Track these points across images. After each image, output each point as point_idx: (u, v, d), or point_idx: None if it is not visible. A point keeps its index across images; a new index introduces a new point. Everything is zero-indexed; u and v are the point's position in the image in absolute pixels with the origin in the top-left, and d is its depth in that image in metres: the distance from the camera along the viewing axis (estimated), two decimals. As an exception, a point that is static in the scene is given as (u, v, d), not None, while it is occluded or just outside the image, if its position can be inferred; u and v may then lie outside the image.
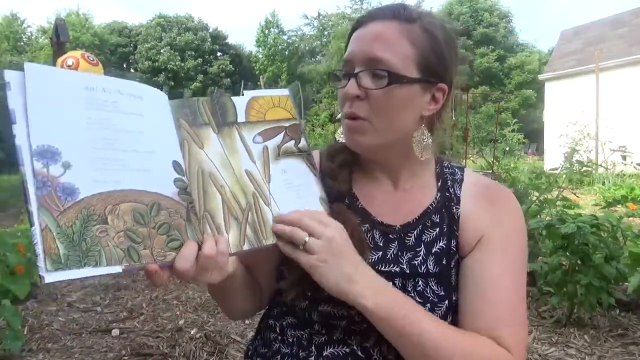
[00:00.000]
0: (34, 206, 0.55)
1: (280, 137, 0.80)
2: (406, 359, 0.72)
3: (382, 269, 0.78)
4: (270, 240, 0.72)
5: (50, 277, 0.54)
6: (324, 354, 0.76)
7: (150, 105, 0.70)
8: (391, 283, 0.74)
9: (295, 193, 0.77)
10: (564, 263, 2.56)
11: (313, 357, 0.76)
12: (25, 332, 2.45)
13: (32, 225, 0.55)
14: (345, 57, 0.78)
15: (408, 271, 0.78)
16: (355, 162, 0.86)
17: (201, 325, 2.54)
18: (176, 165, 0.69)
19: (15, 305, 2.36)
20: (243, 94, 0.80)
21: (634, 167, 8.97)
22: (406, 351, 0.71)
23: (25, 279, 2.82)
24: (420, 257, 0.78)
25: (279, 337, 0.81)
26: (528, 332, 2.40)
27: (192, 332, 2.46)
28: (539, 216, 3.19)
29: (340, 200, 0.82)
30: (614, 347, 2.26)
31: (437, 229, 0.80)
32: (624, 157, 9.90)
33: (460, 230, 0.80)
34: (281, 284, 0.78)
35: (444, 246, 0.79)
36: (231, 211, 0.71)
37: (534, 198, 3.26)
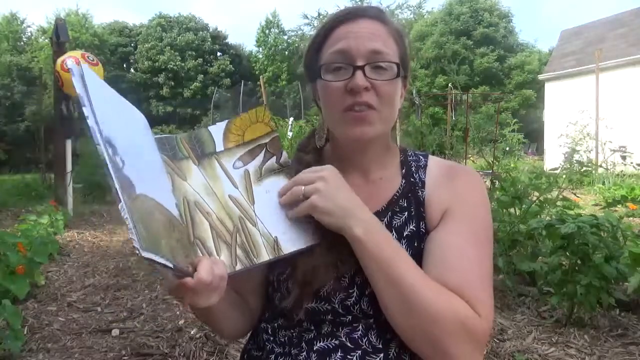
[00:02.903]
0: (117, 185, 0.55)
1: (260, 157, 0.82)
2: (383, 302, 0.73)
3: None
4: (261, 258, 0.74)
5: (145, 254, 0.54)
6: (314, 349, 0.78)
7: (144, 126, 0.73)
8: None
9: (281, 210, 0.78)
10: (564, 263, 2.56)
11: (305, 353, 0.78)
12: (25, 332, 2.44)
13: (118, 201, 0.55)
14: (342, 49, 0.80)
15: None
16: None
17: (201, 325, 2.53)
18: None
19: (15, 305, 2.36)
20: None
21: (634, 167, 8.97)
22: (384, 293, 0.72)
23: (25, 279, 2.82)
24: None
25: (271, 338, 0.84)
26: (529, 331, 2.41)
27: (192, 332, 2.45)
28: (539, 216, 3.19)
29: None
30: (614, 347, 2.25)
31: (406, 213, 0.83)
32: (624, 157, 9.89)
33: (426, 211, 0.83)
34: (284, 303, 0.80)
35: (414, 229, 0.82)
36: (220, 235, 0.74)
37: (534, 198, 3.26)
